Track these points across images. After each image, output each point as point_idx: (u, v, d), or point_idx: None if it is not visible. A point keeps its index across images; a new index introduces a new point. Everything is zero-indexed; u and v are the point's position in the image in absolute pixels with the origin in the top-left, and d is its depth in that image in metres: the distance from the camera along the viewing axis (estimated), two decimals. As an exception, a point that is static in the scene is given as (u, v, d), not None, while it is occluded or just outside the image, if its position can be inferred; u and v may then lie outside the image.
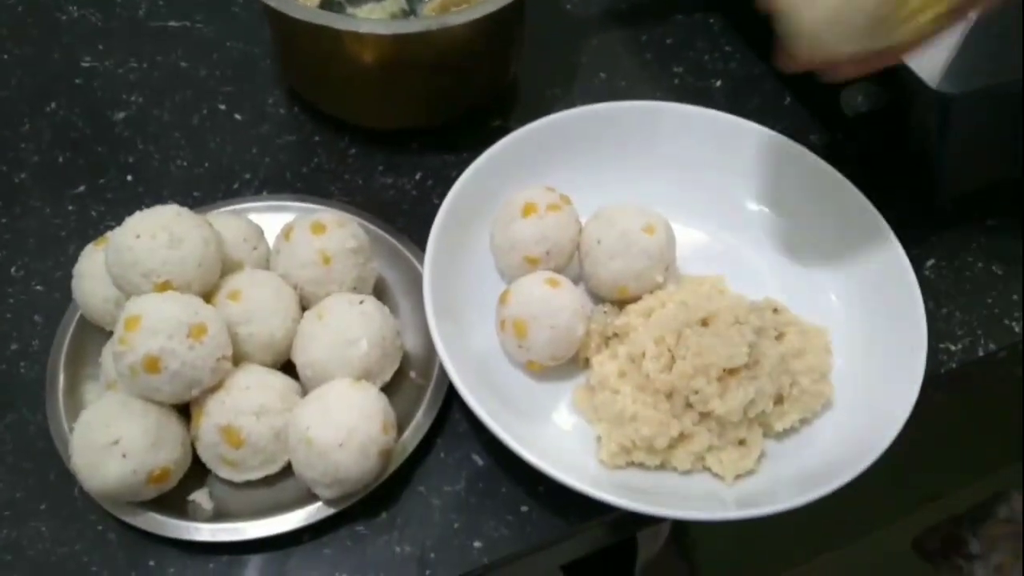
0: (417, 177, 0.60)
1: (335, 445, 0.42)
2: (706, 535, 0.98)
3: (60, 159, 0.61)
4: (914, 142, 0.56)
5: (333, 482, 0.43)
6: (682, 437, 0.46)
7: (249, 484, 0.45)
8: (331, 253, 0.48)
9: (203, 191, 0.59)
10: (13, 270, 0.55)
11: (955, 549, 0.86)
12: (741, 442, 0.47)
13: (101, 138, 0.62)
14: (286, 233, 0.50)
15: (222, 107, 0.64)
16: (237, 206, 0.55)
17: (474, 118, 0.63)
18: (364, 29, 0.54)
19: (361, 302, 0.47)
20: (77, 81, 0.66)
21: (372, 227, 0.54)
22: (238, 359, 0.46)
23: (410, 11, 0.62)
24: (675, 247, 0.52)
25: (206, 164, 0.61)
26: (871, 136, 0.59)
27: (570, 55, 0.69)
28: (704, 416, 0.46)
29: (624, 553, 0.87)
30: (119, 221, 0.46)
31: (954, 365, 0.53)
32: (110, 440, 0.42)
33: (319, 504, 0.45)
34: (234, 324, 0.46)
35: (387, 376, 0.48)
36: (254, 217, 0.53)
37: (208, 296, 0.47)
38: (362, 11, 0.61)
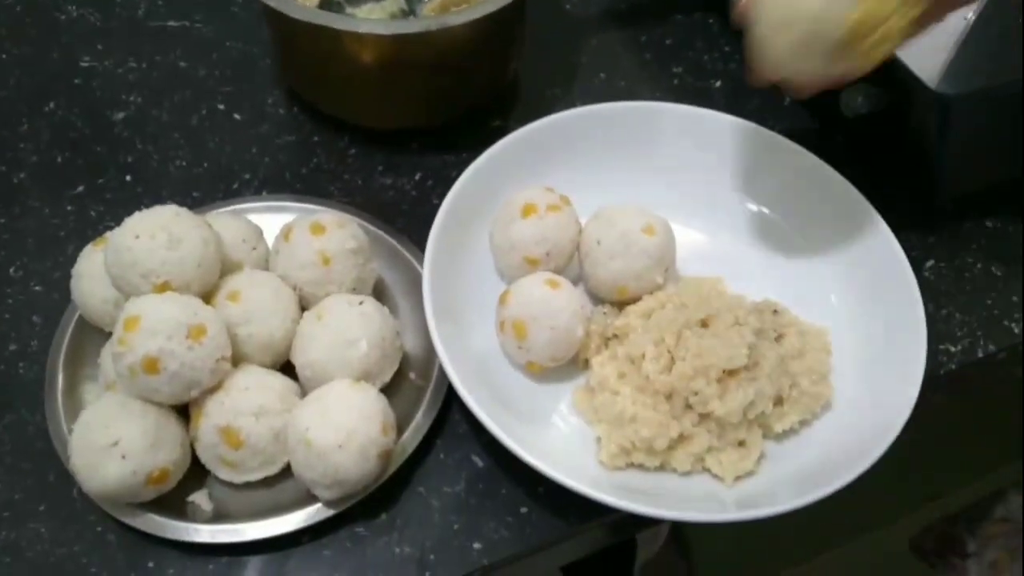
0: (417, 177, 0.60)
1: (334, 446, 0.42)
2: (705, 535, 0.98)
3: (59, 159, 0.61)
4: (914, 143, 0.56)
5: (332, 483, 0.43)
6: (682, 438, 0.46)
7: (248, 485, 0.45)
8: (330, 254, 0.48)
9: (202, 191, 0.59)
10: (12, 270, 0.55)
11: (951, 548, 0.86)
12: (741, 443, 0.47)
13: (100, 138, 0.62)
14: (285, 234, 0.50)
15: (221, 107, 0.64)
16: (236, 206, 0.55)
17: (474, 118, 0.63)
18: (363, 29, 0.54)
19: (360, 303, 0.47)
20: (76, 81, 0.65)
21: (372, 228, 0.54)
22: (237, 360, 0.46)
23: (410, 11, 0.62)
24: (675, 248, 0.52)
25: (205, 164, 0.61)
26: (871, 137, 0.59)
27: (570, 55, 0.69)
28: (704, 417, 0.46)
29: (623, 553, 0.87)
30: (118, 221, 0.46)
31: (954, 366, 0.53)
32: (109, 441, 0.42)
33: (318, 505, 0.45)
34: (233, 325, 0.46)
35: (387, 377, 0.48)
36: (253, 217, 0.53)
37: (207, 297, 0.46)
38: (361, 11, 0.61)
